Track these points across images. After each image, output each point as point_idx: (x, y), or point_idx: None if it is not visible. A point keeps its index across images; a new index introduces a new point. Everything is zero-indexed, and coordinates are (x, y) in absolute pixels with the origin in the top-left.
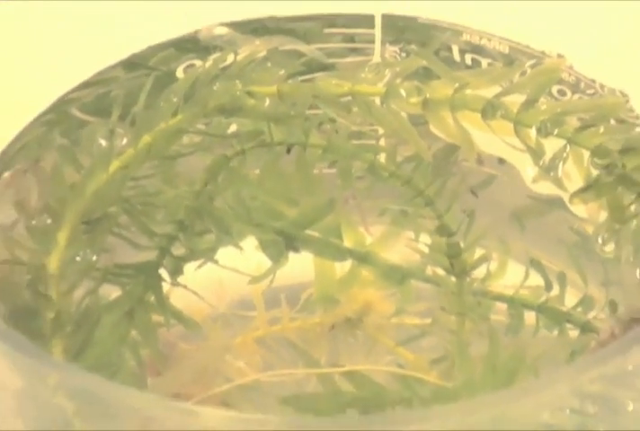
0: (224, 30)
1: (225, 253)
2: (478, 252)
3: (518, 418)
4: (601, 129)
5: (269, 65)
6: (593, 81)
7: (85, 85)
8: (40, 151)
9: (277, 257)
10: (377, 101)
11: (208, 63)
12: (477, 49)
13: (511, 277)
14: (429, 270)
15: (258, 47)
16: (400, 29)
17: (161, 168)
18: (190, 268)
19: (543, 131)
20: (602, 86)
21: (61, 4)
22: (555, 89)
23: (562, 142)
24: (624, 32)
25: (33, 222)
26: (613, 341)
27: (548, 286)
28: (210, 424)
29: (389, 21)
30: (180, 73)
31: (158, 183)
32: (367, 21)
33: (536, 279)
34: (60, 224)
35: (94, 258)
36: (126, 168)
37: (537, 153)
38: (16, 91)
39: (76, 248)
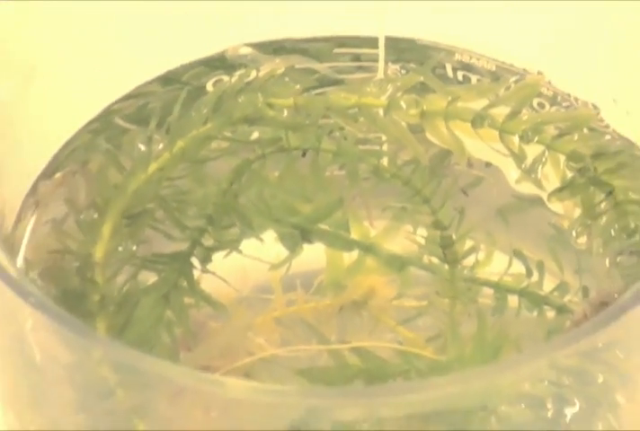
0: (248, 50)
1: (248, 244)
2: (468, 244)
3: (502, 388)
4: (575, 137)
5: (286, 80)
6: (568, 95)
7: (127, 98)
8: (87, 154)
9: (293, 247)
10: (381, 112)
11: (234, 78)
12: (468, 67)
13: (497, 266)
14: (425, 259)
15: (277, 64)
16: (401, 49)
17: (192, 170)
18: (217, 257)
19: (525, 138)
20: (576, 99)
21: (102, 28)
22: (535, 102)
23: (541, 148)
24: (596, 51)
25: (81, 216)
26: (585, 322)
27: (529, 274)
28: (234, 393)
29: (391, 42)
30: (209, 87)
31: (190, 183)
32: (371, 42)
33: (518, 267)
34: (105, 219)
35: (134, 248)
36: (162, 170)
37: (519, 158)
38: (67, 102)
39: (119, 239)
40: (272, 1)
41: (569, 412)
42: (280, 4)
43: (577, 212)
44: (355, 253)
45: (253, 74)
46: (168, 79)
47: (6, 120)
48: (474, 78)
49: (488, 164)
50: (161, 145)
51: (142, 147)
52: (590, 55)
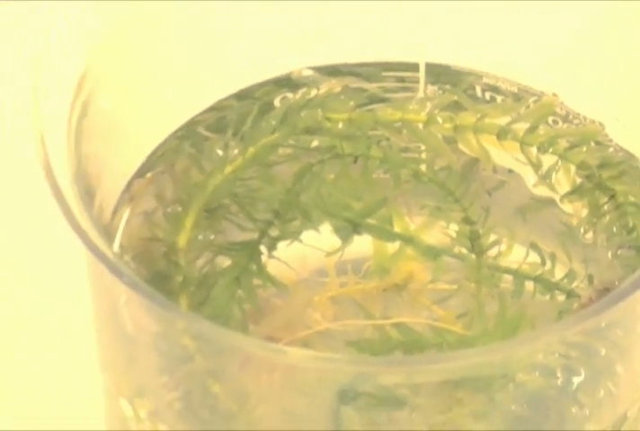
0: (309, 72)
1: (307, 235)
2: (492, 237)
3: (519, 359)
4: (584, 149)
5: (342, 98)
6: (578, 114)
7: (208, 110)
8: (174, 158)
9: (345, 238)
10: (421, 125)
11: (298, 96)
12: (494, 89)
13: (516, 256)
14: (456, 250)
15: (334, 84)
16: (438, 73)
17: (261, 172)
18: (282, 245)
19: (541, 149)
20: (585, 118)
21: (190, 52)
22: (550, 119)
23: (555, 158)
24: (602, 77)
25: (168, 210)
26: (590, 305)
27: (543, 263)
28: (294, 360)
29: (430, 67)
30: (277, 102)
31: (259, 183)
32: (414, 67)
33: (534, 258)
34: (188, 212)
35: (212, 237)
36: (236, 171)
37: (536, 166)
38: (158, 114)
39: (199, 229)
40: (330, 32)
41: (575, 380)
42: (337, 34)
43: (584, 212)
44: (397, 244)
45: (314, 92)
46: (243, 95)
47: (107, 128)
48: (499, 98)
49: (510, 171)
50: (236, 151)
51: (220, 152)
52: (597, 80)
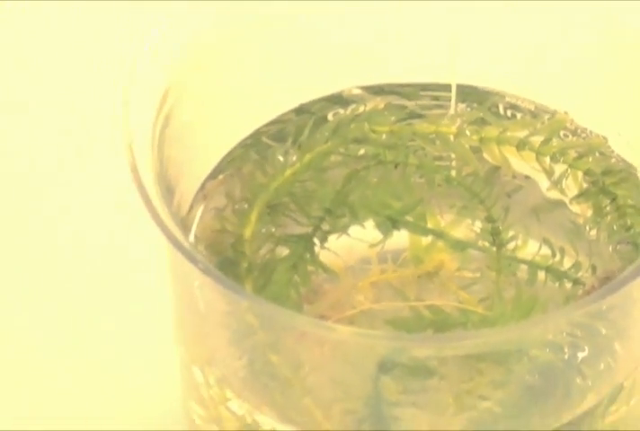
0: (358, 91)
1: (354, 229)
2: (510, 233)
3: (533, 337)
4: (590, 159)
5: (385, 113)
6: (585, 129)
7: (271, 123)
8: (242, 163)
9: (386, 232)
10: (452, 137)
11: (348, 111)
12: (514, 107)
13: (530, 249)
14: (479, 243)
15: (378, 102)
16: (466, 93)
17: (316, 175)
18: (332, 238)
19: (554, 159)
20: (591, 132)
21: (260, 73)
22: (561, 133)
23: (565, 166)
24: (607, 98)
25: (236, 206)
26: (593, 291)
27: (553, 255)
28: (342, 335)
29: (460, 88)
30: (330, 117)
31: (314, 185)
32: (446, 88)
33: (545, 251)
34: (253, 208)
35: (273, 230)
36: (294, 175)
37: (549, 173)
38: (228, 125)
39: (262, 223)
40: (376, 56)
41: (580, 355)
42: (382, 58)
43: (589, 212)
44: (430, 238)
45: (361, 108)
46: (301, 110)
47: (185, 137)
48: (518, 115)
49: (527, 177)
50: (294, 157)
51: (280, 158)
52: (602, 101)
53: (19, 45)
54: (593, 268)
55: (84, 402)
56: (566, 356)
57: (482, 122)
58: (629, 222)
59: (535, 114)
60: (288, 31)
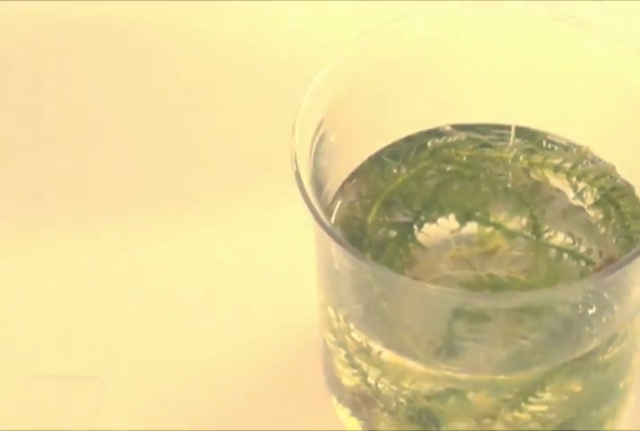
0: (448, 128)
1: (441, 220)
2: (545, 227)
3: (558, 298)
4: (602, 180)
5: (466, 143)
6: (600, 159)
7: (389, 147)
8: (368, 172)
9: (462, 223)
10: (509, 161)
11: (441, 140)
12: (552, 142)
13: (559, 238)
14: (525, 233)
15: (462, 135)
16: (521, 131)
17: (417, 183)
18: (426, 225)
19: (578, 179)
20: (604, 161)
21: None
22: (584, 161)
23: (585, 184)
24: (614, 135)
25: (363, 201)
26: (600, 269)
27: (574, 243)
28: (429, 291)
29: (517, 128)
30: (429, 144)
31: (416, 189)
32: (507, 128)
33: (569, 240)
34: (374, 203)
35: (387, 218)
36: (403, 182)
37: (574, 188)
38: (360, 147)
39: (380, 214)
40: (462, 106)
41: (589, 311)
42: (466, 107)
43: (600, 215)
44: (491, 228)
45: (450, 139)
46: (409, 139)
47: (331, 152)
48: (556, 148)
49: (559, 190)
50: (403, 171)
51: (394, 171)
52: (612, 140)
53: (222, 91)
54: (600, 254)
55: (253, 332)
56: (580, 312)
57: (531, 152)
58: (628, 223)
59: (566, 147)
60: (403, 84)
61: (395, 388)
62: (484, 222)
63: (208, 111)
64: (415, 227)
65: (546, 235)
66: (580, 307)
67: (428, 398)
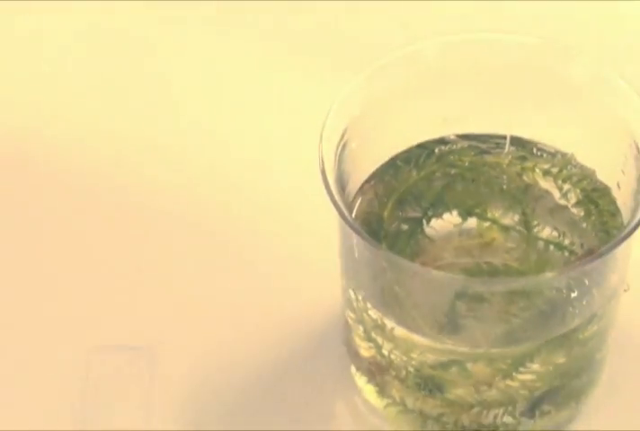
0: (453, 137)
1: (446, 216)
2: (535, 222)
3: (545, 283)
4: (584, 182)
5: (468, 150)
6: (583, 165)
7: (402, 153)
8: (384, 175)
9: (464, 218)
10: (505, 166)
11: (446, 148)
12: (542, 150)
13: (546, 232)
14: (517, 227)
15: (464, 143)
16: (515, 140)
17: (426, 184)
18: (433, 220)
19: (563, 181)
20: (586, 166)
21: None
22: (568, 166)
23: (570, 186)
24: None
25: (380, 199)
26: (581, 259)
27: (559, 236)
28: (435, 276)
29: (512, 138)
30: (436, 151)
31: (424, 189)
32: (503, 137)
33: (555, 233)
34: (389, 201)
35: (400, 213)
36: (414, 183)
37: (560, 189)
38: (376, 152)
39: (394, 210)
40: (463, 118)
41: (572, 295)
42: (470, 121)
43: (582, 213)
44: (488, 223)
45: (454, 146)
46: (419, 146)
47: (352, 158)
48: (544, 155)
49: (547, 191)
50: (414, 173)
51: (407, 173)
52: (592, 149)
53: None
54: (582, 245)
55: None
56: (564, 295)
57: (523, 158)
58: (605, 219)
59: (553, 155)
60: (414, 100)
61: (404, 359)
62: (482, 217)
63: (252, 121)
64: (424, 221)
65: (536, 229)
66: (564, 291)
67: (433, 367)
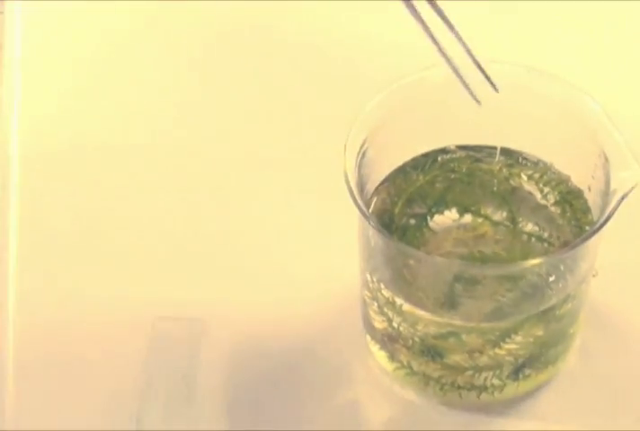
0: (453, 147)
1: (446, 212)
2: (520, 219)
3: (528, 269)
4: (561, 186)
5: (465, 158)
6: (561, 172)
7: (411, 160)
8: (396, 178)
9: (461, 214)
10: (496, 171)
11: (447, 156)
12: (526, 159)
13: (529, 227)
14: (505, 222)
15: (462, 153)
16: (504, 151)
17: (430, 186)
18: (436, 216)
19: (544, 185)
20: (562, 173)
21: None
22: (548, 172)
23: (549, 188)
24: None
25: (392, 198)
26: (558, 250)
27: (540, 230)
28: (436, 261)
29: (502, 149)
30: (439, 159)
31: (429, 190)
32: (494, 148)
33: (536, 228)
34: (399, 200)
35: (408, 210)
36: (420, 185)
37: (541, 191)
38: (390, 160)
39: (404, 207)
40: (462, 135)
41: (550, 279)
42: (467, 134)
43: (559, 211)
44: (481, 219)
45: (454, 155)
46: (424, 155)
47: (370, 164)
48: (529, 163)
49: (530, 193)
50: (421, 177)
51: (414, 177)
52: (568, 159)
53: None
54: (559, 238)
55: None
56: (543, 279)
57: (511, 165)
58: (578, 216)
59: (536, 163)
60: (421, 116)
61: (411, 330)
62: (476, 214)
63: (292, 132)
64: (428, 217)
65: (520, 224)
66: (543, 276)
67: (434, 337)
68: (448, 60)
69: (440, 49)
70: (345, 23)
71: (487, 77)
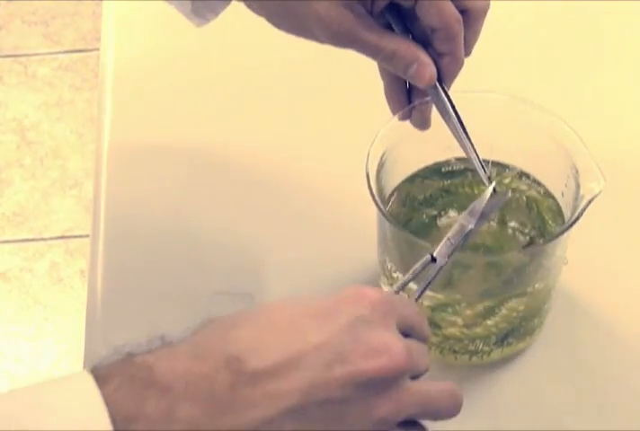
0: (453, 160)
1: (449, 213)
2: (508, 219)
3: (512, 258)
4: (540, 192)
5: (463, 169)
6: (539, 180)
7: (420, 170)
8: (408, 184)
9: (458, 212)
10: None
11: (449, 167)
12: (513, 170)
13: (513, 224)
14: (495, 220)
15: (461, 165)
16: (495, 163)
17: (434, 192)
18: (441, 216)
19: (527, 191)
20: (540, 181)
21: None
22: (529, 181)
23: (530, 194)
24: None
25: (405, 201)
26: (537, 243)
27: (522, 227)
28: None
29: (493, 162)
30: (443, 170)
31: (434, 194)
32: (487, 161)
33: (518, 225)
34: (411, 202)
35: (418, 211)
36: (426, 192)
37: (525, 196)
38: (401, 170)
39: (413, 208)
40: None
41: (530, 266)
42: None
43: (537, 211)
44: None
45: (455, 167)
46: (430, 167)
47: (388, 172)
48: (514, 173)
49: (516, 196)
50: (428, 184)
51: (423, 183)
52: (543, 169)
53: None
54: (538, 232)
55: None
56: (524, 266)
57: (500, 174)
58: (553, 216)
59: (520, 173)
60: (428, 135)
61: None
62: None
63: (328, 145)
64: (435, 216)
65: (507, 221)
66: (524, 263)
67: (433, 310)
68: (471, 146)
69: (467, 137)
70: None
71: (483, 167)
